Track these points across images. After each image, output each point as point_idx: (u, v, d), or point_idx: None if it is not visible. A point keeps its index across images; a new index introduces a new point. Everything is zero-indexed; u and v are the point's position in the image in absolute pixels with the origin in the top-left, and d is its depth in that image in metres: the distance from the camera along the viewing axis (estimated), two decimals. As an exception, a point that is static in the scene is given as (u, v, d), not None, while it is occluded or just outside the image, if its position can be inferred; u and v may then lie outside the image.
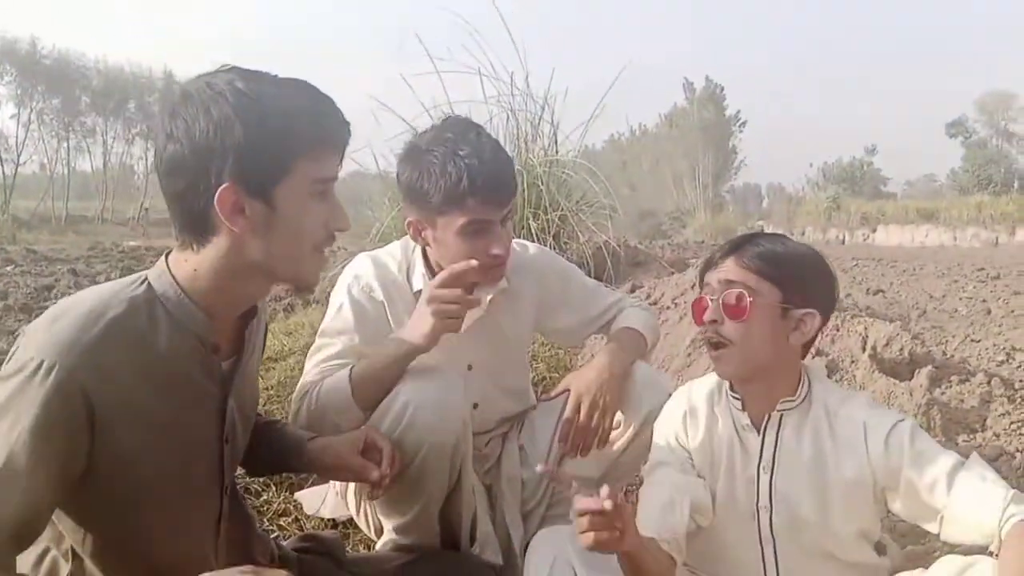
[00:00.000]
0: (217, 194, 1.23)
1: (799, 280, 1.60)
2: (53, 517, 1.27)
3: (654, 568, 1.47)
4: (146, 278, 1.33)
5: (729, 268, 1.60)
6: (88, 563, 1.33)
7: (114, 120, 38.99)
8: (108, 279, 8.62)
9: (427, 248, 2.02)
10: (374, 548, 2.10)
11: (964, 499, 1.44)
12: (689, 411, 1.73)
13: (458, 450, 1.83)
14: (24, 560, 1.30)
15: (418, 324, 1.80)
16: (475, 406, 2.07)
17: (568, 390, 2.03)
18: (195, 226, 1.29)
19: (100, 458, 1.23)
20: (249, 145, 1.23)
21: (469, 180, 1.84)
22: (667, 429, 1.76)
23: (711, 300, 1.60)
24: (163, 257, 1.36)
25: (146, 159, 40.51)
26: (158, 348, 1.28)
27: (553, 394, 2.10)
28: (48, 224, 29.81)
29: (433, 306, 1.78)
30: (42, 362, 1.16)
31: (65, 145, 38.30)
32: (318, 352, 1.96)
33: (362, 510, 2.08)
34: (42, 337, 1.19)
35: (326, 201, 1.35)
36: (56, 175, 37.77)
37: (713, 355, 1.62)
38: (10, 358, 1.21)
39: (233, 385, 1.44)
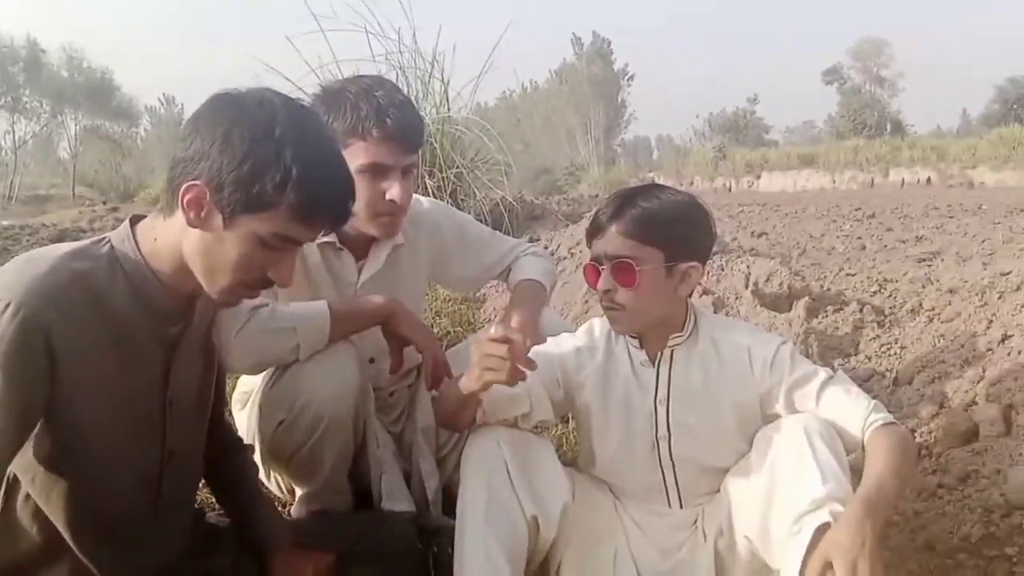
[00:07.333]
0: (185, 184, 1.30)
1: (680, 237, 1.66)
2: None
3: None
4: (109, 240, 1.40)
5: (612, 239, 1.64)
6: (39, 504, 1.40)
7: (-26, 93, 36.06)
8: (-19, 261, 8.20)
9: None
10: (287, 509, 2.13)
11: (831, 410, 1.59)
12: (587, 347, 1.81)
13: (358, 418, 1.88)
14: None
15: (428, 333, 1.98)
16: (371, 360, 2.09)
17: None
18: (169, 196, 1.35)
19: (54, 400, 1.30)
20: (245, 172, 1.29)
21: (377, 117, 1.86)
22: (557, 349, 1.83)
23: (602, 269, 1.66)
24: (126, 222, 1.43)
25: (13, 133, 37.69)
26: (114, 306, 1.36)
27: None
28: (-93, 207, 27.63)
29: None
30: (9, 303, 1.23)
31: (-79, 122, 35.30)
32: None
33: (271, 474, 2.08)
34: (11, 281, 1.26)
35: (278, 254, 1.38)
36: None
37: (609, 315, 1.70)
38: None
39: (179, 351, 1.49)
